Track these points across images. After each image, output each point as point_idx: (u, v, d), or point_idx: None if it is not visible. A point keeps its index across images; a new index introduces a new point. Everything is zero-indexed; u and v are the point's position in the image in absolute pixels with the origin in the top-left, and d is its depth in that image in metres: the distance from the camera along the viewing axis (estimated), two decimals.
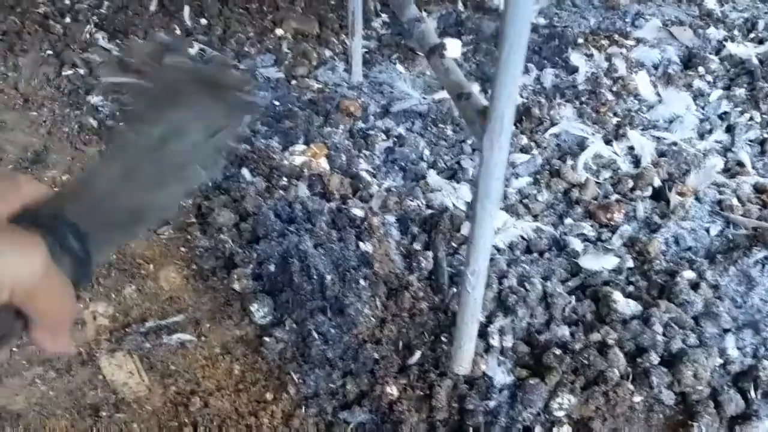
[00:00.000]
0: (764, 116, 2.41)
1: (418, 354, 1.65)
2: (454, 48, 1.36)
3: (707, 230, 1.87)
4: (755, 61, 2.67)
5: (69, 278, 0.56)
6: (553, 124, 2.38)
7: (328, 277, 1.77)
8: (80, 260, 0.59)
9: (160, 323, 1.75)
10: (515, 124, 2.39)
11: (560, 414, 1.52)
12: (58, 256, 0.54)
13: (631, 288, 1.75)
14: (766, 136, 2.33)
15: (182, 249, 1.97)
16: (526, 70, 2.70)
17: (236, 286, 1.82)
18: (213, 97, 0.72)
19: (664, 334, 1.62)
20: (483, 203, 1.27)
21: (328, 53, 2.80)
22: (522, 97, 2.58)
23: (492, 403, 1.54)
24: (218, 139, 0.73)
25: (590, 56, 2.74)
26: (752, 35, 2.93)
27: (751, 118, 2.40)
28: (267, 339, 1.70)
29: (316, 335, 1.69)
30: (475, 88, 2.22)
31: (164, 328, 1.74)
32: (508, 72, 1.13)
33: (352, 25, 2.42)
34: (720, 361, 1.59)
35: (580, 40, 2.83)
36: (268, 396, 1.61)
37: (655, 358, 1.57)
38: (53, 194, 0.63)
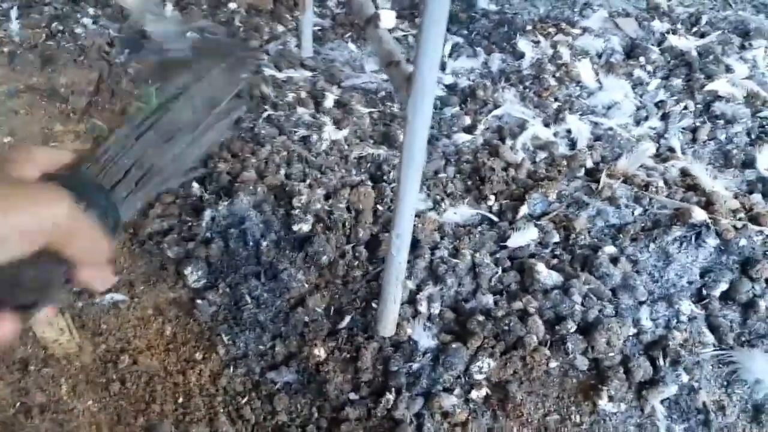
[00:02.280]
0: (698, 106, 2.50)
1: (347, 319, 1.70)
2: (388, 19, 1.39)
3: (632, 210, 1.95)
4: (694, 53, 2.77)
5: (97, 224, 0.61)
6: (496, 107, 2.45)
7: (264, 243, 1.81)
8: (104, 211, 0.63)
9: None
10: (460, 106, 2.45)
11: (480, 377, 1.58)
12: (83, 207, 0.59)
13: (555, 261, 1.82)
14: (698, 124, 2.42)
15: None
16: (475, 54, 2.76)
17: (169, 253, 1.84)
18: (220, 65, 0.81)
19: (582, 304, 1.69)
20: (407, 168, 1.32)
21: (280, 28, 2.81)
22: (469, 80, 2.64)
23: (415, 366, 1.59)
24: (227, 103, 0.81)
25: (537, 43, 2.81)
26: (695, 29, 3.03)
27: (686, 107, 2.49)
28: (200, 301, 1.73)
29: (248, 299, 1.73)
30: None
31: None
32: (430, 40, 1.17)
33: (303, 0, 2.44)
34: (633, 330, 1.66)
35: (529, 27, 2.90)
36: (198, 356, 1.64)
37: (572, 326, 1.64)
38: (72, 158, 0.67)
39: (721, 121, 2.42)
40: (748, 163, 2.24)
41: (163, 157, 0.74)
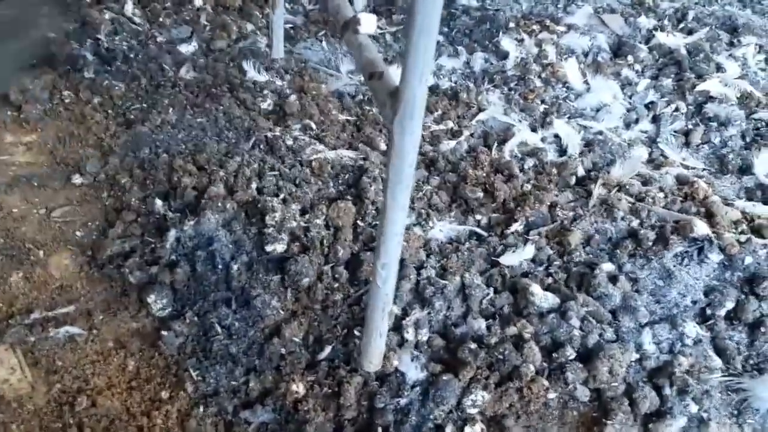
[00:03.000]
0: (690, 107, 2.40)
1: (328, 349, 1.56)
2: (369, 23, 1.25)
3: (629, 222, 1.83)
4: (683, 51, 2.67)
5: None
6: (480, 110, 2.32)
7: (234, 266, 1.66)
8: None
9: (47, 314, 1.60)
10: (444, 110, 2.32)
11: (473, 411, 1.45)
12: None
13: (549, 280, 1.69)
14: (691, 127, 2.32)
15: (78, 233, 1.81)
16: (456, 54, 2.63)
17: (131, 278, 1.68)
18: None
19: (580, 328, 1.57)
20: (393, 191, 1.18)
21: (250, 27, 2.65)
22: (451, 81, 2.50)
23: (403, 401, 1.46)
24: None
25: (521, 41, 2.68)
26: (681, 25, 2.93)
27: (677, 109, 2.39)
28: (165, 333, 1.57)
29: (218, 329, 1.58)
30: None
31: (52, 320, 1.59)
32: (419, 52, 1.03)
33: None
34: (636, 356, 1.55)
35: (512, 25, 2.77)
36: (164, 394, 1.49)
37: (571, 353, 1.52)
38: None
39: (715, 124, 2.32)
40: (745, 169, 2.14)
41: None
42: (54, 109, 2.17)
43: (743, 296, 1.66)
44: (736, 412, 1.48)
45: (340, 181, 1.95)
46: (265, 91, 2.26)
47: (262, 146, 2.03)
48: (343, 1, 1.47)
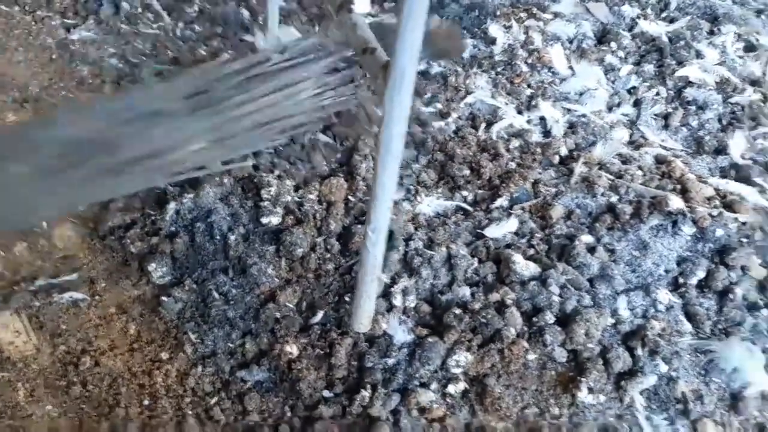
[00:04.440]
0: (670, 92, 2.48)
1: (320, 314, 1.64)
2: (362, 2, 1.33)
3: (608, 198, 1.92)
4: (665, 38, 2.75)
5: None
6: (468, 93, 2.40)
7: (232, 237, 1.74)
8: None
9: (51, 282, 1.68)
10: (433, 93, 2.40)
11: (457, 371, 1.54)
12: None
13: (531, 251, 1.78)
14: (670, 110, 2.41)
15: (80, 207, 1.89)
16: None
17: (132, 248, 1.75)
18: None
19: (560, 295, 1.66)
20: (384, 159, 1.26)
21: (246, 13, 2.72)
22: (440, 66, 2.58)
23: (391, 361, 1.55)
24: None
25: (509, 28, 2.76)
26: (664, 14, 3.01)
27: (658, 93, 2.47)
28: (165, 299, 1.66)
29: (216, 295, 1.66)
30: None
31: (56, 287, 1.67)
32: (409, 27, 1.11)
33: None
34: (611, 321, 1.64)
35: (500, 12, 2.85)
36: (164, 355, 1.58)
37: (550, 318, 1.61)
38: None
39: (693, 107, 2.41)
40: (721, 150, 2.23)
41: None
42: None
43: (714, 266, 1.76)
44: (703, 372, 1.58)
45: (332, 159, 2.03)
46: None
47: None
48: None
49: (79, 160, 0.69)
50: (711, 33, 2.86)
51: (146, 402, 1.49)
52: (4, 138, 0.70)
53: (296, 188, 1.89)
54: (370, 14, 2.76)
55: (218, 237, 1.75)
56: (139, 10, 2.57)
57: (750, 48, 2.78)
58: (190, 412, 1.48)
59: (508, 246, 1.80)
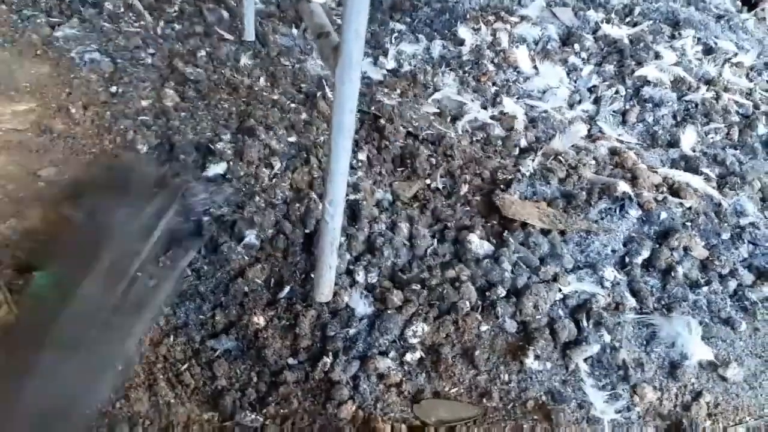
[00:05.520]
0: (628, 90, 2.62)
1: (287, 289, 1.74)
2: None
3: (563, 184, 2.04)
4: (626, 41, 2.89)
5: None
6: (436, 90, 2.52)
7: (205, 218, 1.84)
8: None
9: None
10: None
11: (414, 341, 1.64)
12: None
13: (486, 232, 1.89)
14: (628, 107, 2.54)
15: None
16: (417, 41, 2.83)
17: None
18: None
19: (512, 272, 1.77)
20: (337, 137, 1.37)
21: (225, 14, 2.83)
22: (410, 65, 2.70)
23: (352, 331, 1.65)
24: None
25: (477, 30, 2.89)
26: (628, 19, 3.15)
27: (617, 92, 2.60)
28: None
29: (188, 271, 1.75)
30: None
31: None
32: (354, 8, 1.22)
33: None
34: (560, 296, 1.75)
35: (469, 16, 2.98)
36: None
37: (502, 292, 1.72)
38: None
39: (650, 105, 2.54)
40: (673, 143, 2.36)
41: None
42: None
43: (657, 246, 1.87)
44: (644, 342, 1.69)
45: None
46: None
47: None
48: None
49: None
50: (672, 37, 3.00)
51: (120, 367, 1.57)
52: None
53: (271, 178, 1.99)
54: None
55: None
56: (122, 9, 2.68)
57: (708, 51, 2.92)
58: (161, 377, 1.56)
59: (466, 228, 1.91)
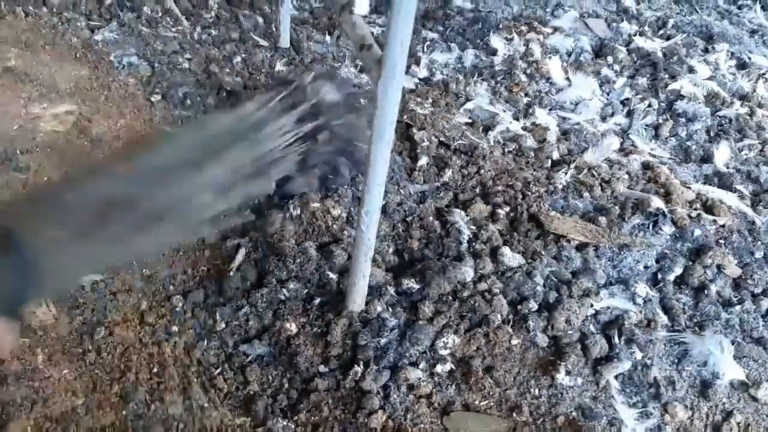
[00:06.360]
0: (661, 104, 2.61)
1: (319, 299, 1.76)
2: (362, 4, 1.46)
3: (595, 198, 2.04)
4: (660, 54, 2.88)
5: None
6: (468, 100, 2.52)
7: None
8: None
9: None
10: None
11: (444, 352, 1.65)
12: None
13: (521, 246, 1.89)
14: (661, 121, 2.53)
15: None
16: (449, 50, 2.84)
17: None
18: None
19: (544, 285, 1.77)
20: (377, 145, 1.38)
21: (260, 20, 2.87)
22: (443, 74, 2.71)
23: (383, 341, 1.66)
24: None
25: (510, 40, 2.89)
26: (661, 32, 3.14)
27: (650, 105, 2.59)
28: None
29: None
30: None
31: None
32: (399, 22, 1.23)
33: None
34: (592, 311, 1.75)
35: (502, 26, 2.99)
36: (174, 329, 1.69)
37: (533, 306, 1.72)
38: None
39: (683, 119, 2.52)
40: (706, 159, 2.34)
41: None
42: None
43: (690, 263, 1.86)
44: (676, 361, 1.68)
45: None
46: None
47: None
48: None
49: (110, 219, 0.74)
50: (705, 50, 2.98)
51: (155, 370, 1.60)
52: (36, 201, 0.76)
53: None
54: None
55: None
56: (159, 14, 2.72)
57: (742, 65, 2.90)
58: (195, 381, 1.59)
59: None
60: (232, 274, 1.78)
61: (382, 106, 1.32)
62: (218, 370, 1.62)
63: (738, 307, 1.81)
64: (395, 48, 1.25)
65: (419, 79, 2.67)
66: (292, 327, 1.68)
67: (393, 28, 1.24)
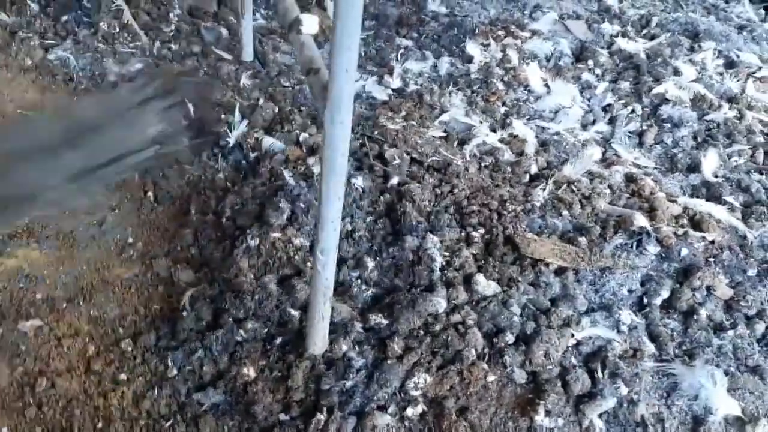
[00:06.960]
0: (645, 109, 2.49)
1: (280, 339, 1.63)
2: (311, 24, 1.33)
3: (575, 217, 1.91)
4: (643, 55, 2.76)
5: None
6: (443, 112, 2.40)
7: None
8: None
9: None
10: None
11: (416, 393, 1.52)
12: None
13: (496, 273, 1.77)
14: (645, 128, 2.41)
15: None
16: (424, 58, 2.72)
17: None
18: None
19: (521, 315, 1.65)
20: (328, 180, 1.26)
21: (224, 32, 2.74)
22: (417, 84, 2.59)
23: (349, 383, 1.54)
24: None
25: (486, 46, 2.77)
26: (645, 31, 3.02)
27: (633, 111, 2.47)
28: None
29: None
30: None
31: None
32: (343, 44, 1.11)
33: (242, 3, 2.37)
34: (573, 341, 1.63)
35: (479, 30, 2.86)
36: (123, 377, 1.57)
37: (510, 338, 1.60)
38: None
39: (668, 125, 2.41)
40: (694, 167, 2.22)
41: None
42: None
43: (678, 286, 1.74)
44: (665, 395, 1.56)
45: None
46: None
47: None
48: (291, 4, 1.56)
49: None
50: (691, 50, 2.87)
51: (100, 425, 1.48)
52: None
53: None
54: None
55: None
56: (117, 29, 2.59)
57: (730, 64, 2.79)
58: None
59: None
60: (185, 314, 1.66)
61: (330, 136, 1.20)
62: (169, 423, 1.49)
63: (731, 332, 1.68)
64: (340, 76, 1.13)
65: (392, 89, 2.54)
66: (249, 371, 1.55)
67: (336, 51, 1.11)
